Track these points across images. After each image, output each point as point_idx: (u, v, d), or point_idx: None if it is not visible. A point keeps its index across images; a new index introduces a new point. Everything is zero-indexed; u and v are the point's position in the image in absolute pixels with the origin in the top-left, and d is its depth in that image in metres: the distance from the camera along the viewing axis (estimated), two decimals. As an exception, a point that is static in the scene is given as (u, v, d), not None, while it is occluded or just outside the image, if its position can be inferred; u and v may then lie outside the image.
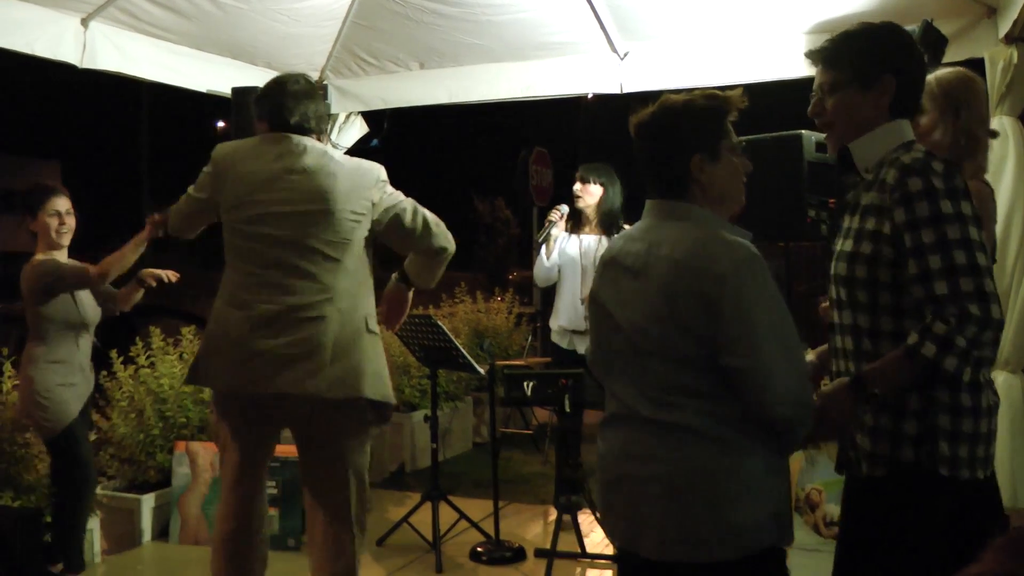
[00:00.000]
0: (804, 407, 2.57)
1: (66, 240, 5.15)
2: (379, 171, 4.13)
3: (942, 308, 2.54)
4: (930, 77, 3.94)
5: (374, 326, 4.12)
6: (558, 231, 6.45)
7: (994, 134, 3.94)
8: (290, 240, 3.93)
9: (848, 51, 2.86)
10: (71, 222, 5.17)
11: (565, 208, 6.49)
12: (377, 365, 4.07)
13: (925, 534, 2.70)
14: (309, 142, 4.06)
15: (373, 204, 4.04)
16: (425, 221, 4.11)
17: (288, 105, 4.06)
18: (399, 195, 4.14)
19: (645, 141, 2.79)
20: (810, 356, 3.16)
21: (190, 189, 4.19)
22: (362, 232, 4.04)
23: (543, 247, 6.49)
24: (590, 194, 6.36)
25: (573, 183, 6.52)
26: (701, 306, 2.53)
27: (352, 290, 4.02)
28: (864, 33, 2.88)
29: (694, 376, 2.57)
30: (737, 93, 2.80)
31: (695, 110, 2.75)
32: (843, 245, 2.84)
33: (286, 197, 3.95)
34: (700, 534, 2.55)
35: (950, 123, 3.76)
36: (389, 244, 4.22)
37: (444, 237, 4.16)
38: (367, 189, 4.04)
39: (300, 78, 4.20)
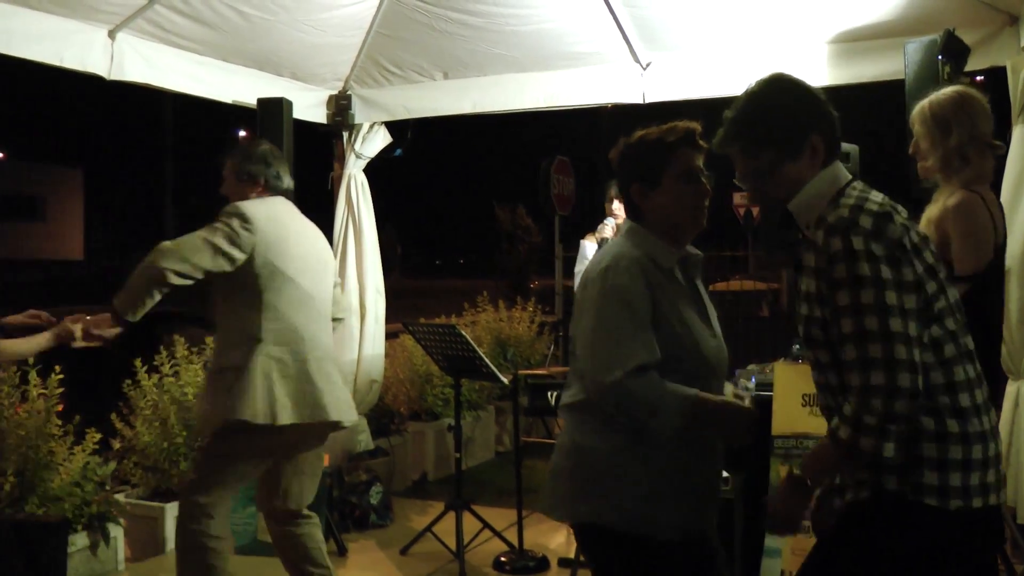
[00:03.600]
0: (618, 394, 2.84)
1: None
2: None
3: (849, 377, 2.52)
4: (924, 101, 3.96)
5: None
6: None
7: (996, 148, 3.92)
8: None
9: (766, 131, 2.80)
10: None
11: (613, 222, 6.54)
12: None
13: (905, 564, 2.62)
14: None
15: None
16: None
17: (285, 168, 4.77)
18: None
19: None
20: None
21: None
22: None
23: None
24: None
25: (605, 197, 6.60)
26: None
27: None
28: (763, 98, 2.83)
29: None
30: (688, 124, 3.06)
31: (640, 144, 3.10)
32: (800, 308, 2.79)
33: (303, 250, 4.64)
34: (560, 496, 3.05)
35: (939, 145, 3.77)
36: None
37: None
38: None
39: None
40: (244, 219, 4.34)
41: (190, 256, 4.21)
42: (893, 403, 2.44)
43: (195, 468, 4.63)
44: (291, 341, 4.39)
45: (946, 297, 2.65)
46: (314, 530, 4.72)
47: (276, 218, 4.50)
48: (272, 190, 4.64)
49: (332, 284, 4.82)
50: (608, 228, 6.59)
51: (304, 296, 4.48)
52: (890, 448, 2.48)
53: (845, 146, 5.26)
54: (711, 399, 2.91)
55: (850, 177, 2.79)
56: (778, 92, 2.85)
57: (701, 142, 3.06)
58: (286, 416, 4.26)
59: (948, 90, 3.90)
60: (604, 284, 2.94)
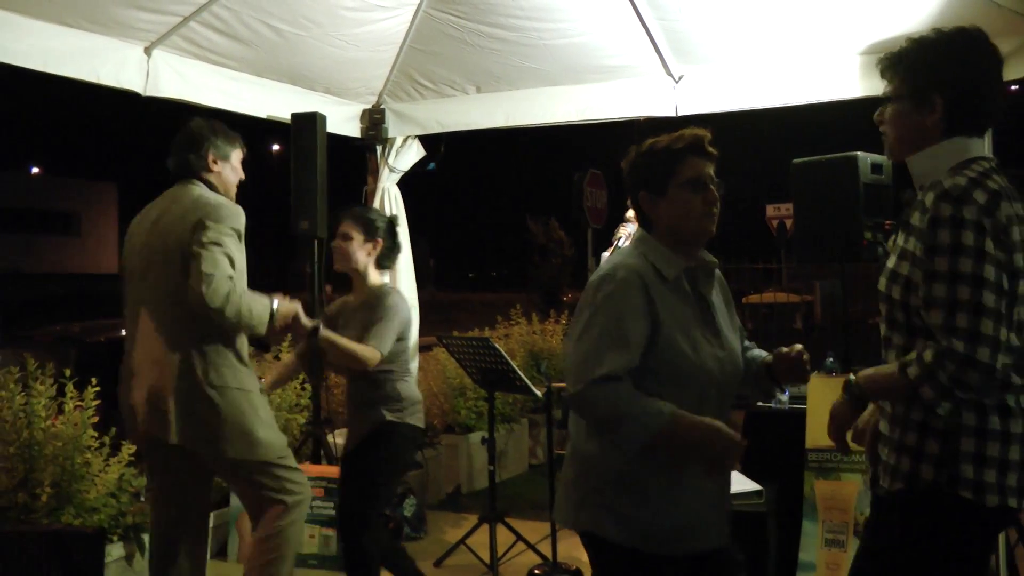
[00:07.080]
0: (580, 403, 2.89)
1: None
2: (211, 211, 3.99)
3: (934, 338, 2.57)
4: None
5: (218, 380, 3.95)
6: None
7: None
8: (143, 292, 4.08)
9: (906, 63, 2.86)
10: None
11: (632, 227, 6.52)
12: (230, 422, 3.97)
13: (941, 555, 2.68)
14: (182, 188, 4.22)
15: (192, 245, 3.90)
16: (205, 274, 3.82)
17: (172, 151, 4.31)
18: (215, 238, 3.92)
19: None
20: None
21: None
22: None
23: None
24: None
25: (626, 208, 6.58)
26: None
27: (188, 340, 3.95)
28: (925, 44, 2.84)
29: None
30: (695, 131, 3.05)
31: (648, 152, 3.09)
32: (889, 261, 2.84)
33: (139, 248, 4.12)
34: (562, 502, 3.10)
35: None
36: None
37: (214, 296, 3.80)
38: (191, 229, 3.94)
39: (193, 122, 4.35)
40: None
41: None
42: (966, 372, 2.50)
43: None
44: None
45: None
46: None
47: None
48: None
49: None
50: (626, 229, 6.57)
51: None
52: (946, 407, 2.64)
53: (876, 157, 5.25)
54: (688, 419, 2.78)
55: (983, 155, 2.80)
56: (940, 41, 2.85)
57: (710, 149, 3.04)
58: None
59: None
60: (596, 295, 2.93)
